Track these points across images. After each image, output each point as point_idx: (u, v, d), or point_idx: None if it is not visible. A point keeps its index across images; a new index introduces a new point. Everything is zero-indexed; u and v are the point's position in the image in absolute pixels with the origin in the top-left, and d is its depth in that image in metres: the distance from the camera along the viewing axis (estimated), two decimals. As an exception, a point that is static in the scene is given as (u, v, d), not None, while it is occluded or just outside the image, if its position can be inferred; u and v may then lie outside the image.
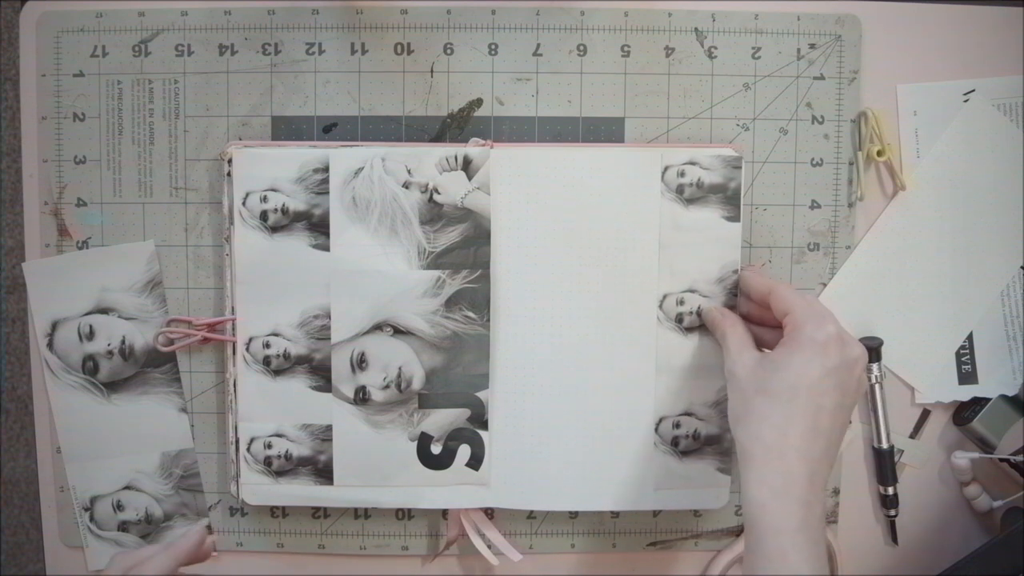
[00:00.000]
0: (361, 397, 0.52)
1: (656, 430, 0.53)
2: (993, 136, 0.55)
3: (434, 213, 0.51)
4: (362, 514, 0.55)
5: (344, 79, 0.53)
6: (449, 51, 0.53)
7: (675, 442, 0.53)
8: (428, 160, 0.51)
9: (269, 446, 0.52)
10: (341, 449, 0.52)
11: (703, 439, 0.53)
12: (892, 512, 0.56)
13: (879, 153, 0.54)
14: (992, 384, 0.56)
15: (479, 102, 0.53)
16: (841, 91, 0.54)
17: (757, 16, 0.53)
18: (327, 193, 0.51)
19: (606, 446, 0.53)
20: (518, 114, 0.53)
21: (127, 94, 0.53)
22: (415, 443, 0.52)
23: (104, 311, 0.54)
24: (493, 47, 0.53)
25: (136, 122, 0.53)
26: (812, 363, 0.44)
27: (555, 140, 0.53)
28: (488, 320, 0.51)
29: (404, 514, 0.56)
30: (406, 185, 0.50)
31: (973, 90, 0.55)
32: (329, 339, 0.51)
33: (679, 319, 0.52)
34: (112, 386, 0.54)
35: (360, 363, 0.51)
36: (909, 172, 0.55)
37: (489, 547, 0.54)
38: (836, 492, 0.56)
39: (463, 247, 0.51)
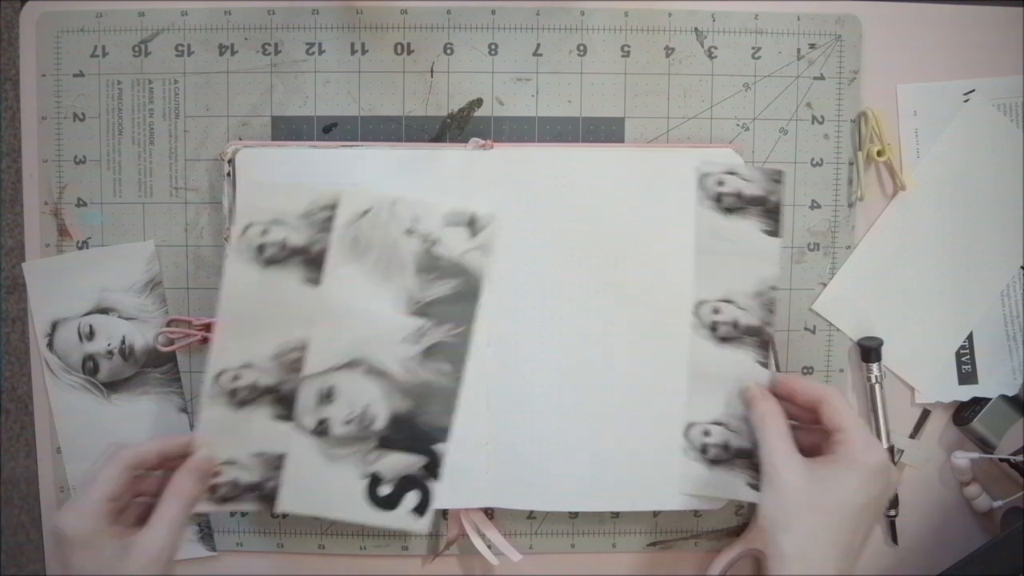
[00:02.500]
0: (321, 429, 0.51)
1: (685, 435, 0.53)
2: (993, 136, 0.55)
3: (431, 264, 0.51)
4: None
5: (344, 79, 0.53)
6: (449, 51, 0.53)
7: (704, 449, 0.53)
8: (437, 211, 0.50)
9: (218, 473, 0.51)
10: (291, 476, 0.51)
11: (733, 451, 0.52)
12: (892, 512, 0.56)
13: (879, 153, 0.54)
14: (992, 384, 0.56)
15: (479, 102, 0.53)
16: (841, 91, 0.54)
17: (757, 16, 0.53)
18: (329, 231, 0.50)
19: (628, 448, 0.53)
20: (518, 114, 0.53)
21: (127, 94, 0.53)
22: (366, 481, 0.51)
23: (104, 311, 0.54)
24: (493, 47, 0.53)
25: (136, 122, 0.53)
26: (861, 489, 0.46)
27: (555, 140, 0.53)
28: (461, 375, 0.51)
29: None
30: (409, 231, 0.50)
31: (973, 90, 0.55)
32: (300, 371, 0.51)
33: (714, 327, 0.52)
34: (112, 386, 0.54)
35: (327, 396, 0.51)
36: (909, 172, 0.55)
37: (489, 547, 0.54)
38: (836, 492, 0.56)
39: (452, 302, 0.51)
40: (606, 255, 0.52)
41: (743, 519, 0.56)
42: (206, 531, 0.55)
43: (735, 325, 0.52)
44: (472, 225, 0.50)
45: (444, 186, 0.51)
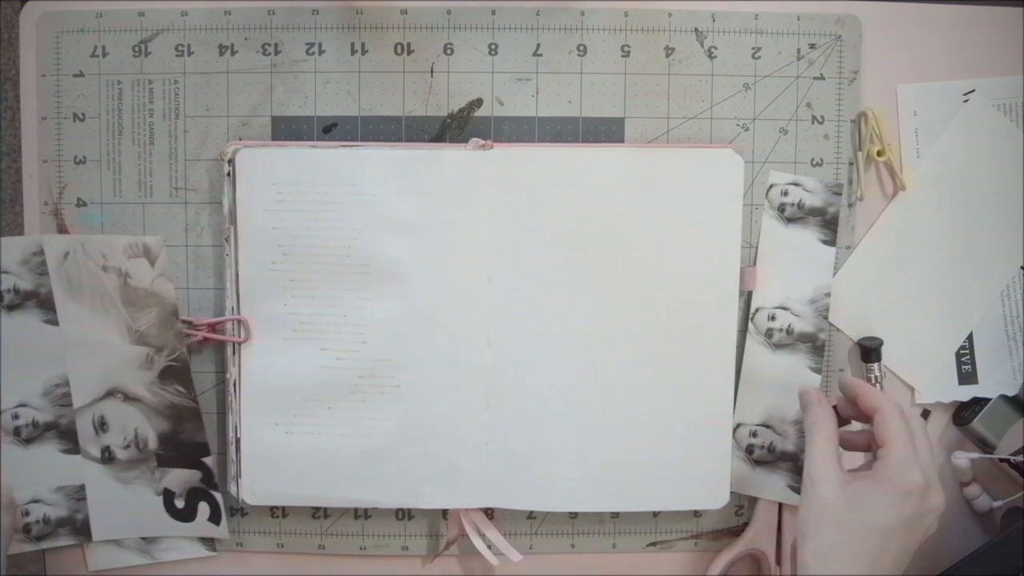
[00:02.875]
0: (107, 456, 0.53)
1: (732, 435, 0.54)
2: (993, 136, 0.55)
3: (130, 296, 0.52)
4: (362, 514, 0.55)
5: (344, 79, 0.53)
6: (449, 51, 0.53)
7: (750, 449, 0.54)
8: (117, 246, 0.52)
9: (27, 513, 0.53)
10: (95, 505, 0.54)
11: (778, 453, 0.54)
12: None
13: (879, 153, 0.54)
14: (992, 384, 0.56)
15: (479, 102, 0.53)
16: (841, 91, 0.54)
17: (757, 16, 0.53)
18: (47, 274, 0.52)
19: (628, 447, 0.53)
20: (518, 114, 0.53)
21: (127, 94, 0.53)
22: (160, 497, 0.54)
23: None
24: (493, 47, 0.53)
25: (136, 122, 0.53)
26: (890, 509, 0.45)
27: (555, 140, 0.53)
28: (195, 395, 0.53)
29: (404, 514, 0.56)
30: (104, 268, 0.52)
31: (973, 90, 0.54)
32: (72, 404, 0.53)
33: (769, 334, 0.54)
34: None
35: (101, 425, 0.53)
36: (909, 172, 0.55)
37: (489, 547, 0.54)
38: (836, 492, 0.56)
39: (160, 328, 0.52)
40: (606, 255, 0.52)
41: (743, 519, 0.56)
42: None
43: (789, 331, 0.54)
44: (147, 254, 0.52)
45: (444, 186, 0.51)
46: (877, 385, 0.54)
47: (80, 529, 0.54)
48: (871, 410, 0.48)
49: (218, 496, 0.54)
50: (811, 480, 0.46)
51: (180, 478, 0.54)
